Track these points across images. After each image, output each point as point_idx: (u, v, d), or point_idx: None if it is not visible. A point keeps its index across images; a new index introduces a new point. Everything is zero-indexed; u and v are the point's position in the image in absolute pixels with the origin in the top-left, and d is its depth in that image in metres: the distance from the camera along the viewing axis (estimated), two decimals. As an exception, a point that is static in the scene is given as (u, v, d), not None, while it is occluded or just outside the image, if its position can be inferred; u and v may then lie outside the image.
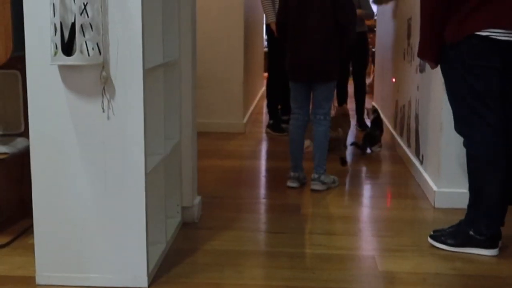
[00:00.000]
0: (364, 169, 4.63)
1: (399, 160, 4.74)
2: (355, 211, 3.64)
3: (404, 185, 4.11)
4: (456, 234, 2.92)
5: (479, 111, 2.80)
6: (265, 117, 7.10)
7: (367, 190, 4.12)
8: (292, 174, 4.03)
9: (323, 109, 3.94)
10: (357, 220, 3.44)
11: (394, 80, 5.39)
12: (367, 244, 3.02)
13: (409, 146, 4.56)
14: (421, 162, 4.07)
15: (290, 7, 3.89)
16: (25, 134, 3.17)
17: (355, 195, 4.00)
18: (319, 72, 3.89)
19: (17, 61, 2.93)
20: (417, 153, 4.21)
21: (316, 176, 3.95)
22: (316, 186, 3.95)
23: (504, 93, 2.81)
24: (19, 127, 3.26)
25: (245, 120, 6.12)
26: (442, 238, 2.94)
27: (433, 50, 2.86)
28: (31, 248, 2.61)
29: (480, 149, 2.84)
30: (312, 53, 3.86)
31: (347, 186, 4.13)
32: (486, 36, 2.70)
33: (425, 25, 2.86)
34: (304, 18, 3.84)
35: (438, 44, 2.83)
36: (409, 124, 4.57)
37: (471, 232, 2.87)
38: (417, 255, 2.86)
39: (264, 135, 5.93)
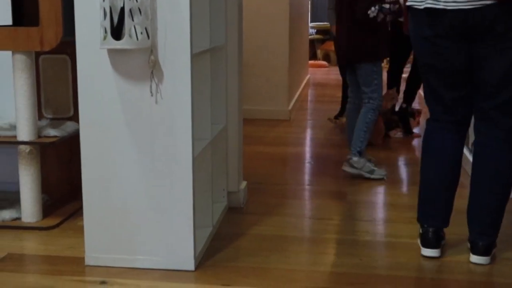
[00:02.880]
0: (410, 157, 4.57)
1: (447, 148, 4.65)
2: (402, 199, 3.59)
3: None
4: None
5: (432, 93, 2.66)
6: (309, 105, 7.07)
7: (415, 178, 4.06)
8: (347, 157, 4.03)
9: (365, 93, 4.00)
10: (404, 208, 3.39)
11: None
12: (414, 232, 2.97)
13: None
14: (470, 151, 3.98)
15: None
16: (74, 118, 3.23)
17: (403, 183, 3.95)
18: (350, 54, 4.01)
19: (67, 46, 2.97)
20: (466, 142, 4.13)
21: (348, 157, 3.97)
22: (345, 167, 3.96)
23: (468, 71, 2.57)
24: (69, 111, 3.32)
25: (290, 107, 6.10)
26: None
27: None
28: (80, 230, 2.66)
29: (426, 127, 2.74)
30: (343, 37, 4.04)
31: (394, 174, 4.09)
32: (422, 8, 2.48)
33: None
34: (340, 4, 4.06)
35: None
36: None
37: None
38: (465, 244, 2.80)
39: (309, 122, 5.91)
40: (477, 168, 2.64)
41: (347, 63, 4.11)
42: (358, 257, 2.70)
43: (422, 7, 2.49)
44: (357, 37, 3.91)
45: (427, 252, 2.67)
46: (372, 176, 3.91)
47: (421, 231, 2.72)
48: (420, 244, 2.71)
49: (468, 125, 2.71)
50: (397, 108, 5.49)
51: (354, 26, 3.92)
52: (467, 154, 4.03)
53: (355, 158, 3.93)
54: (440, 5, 2.43)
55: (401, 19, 5.05)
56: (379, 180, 3.90)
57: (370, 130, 3.99)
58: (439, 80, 2.59)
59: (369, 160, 4.06)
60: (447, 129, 2.66)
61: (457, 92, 2.60)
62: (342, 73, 5.73)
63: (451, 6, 2.41)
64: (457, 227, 2.79)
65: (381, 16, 3.78)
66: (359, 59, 3.96)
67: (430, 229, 2.67)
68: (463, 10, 2.40)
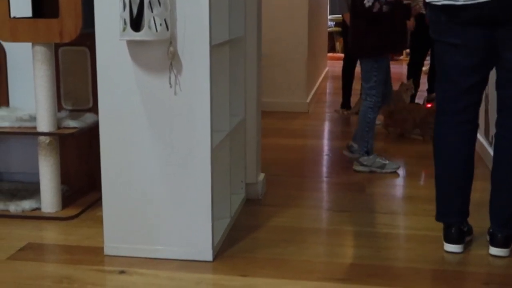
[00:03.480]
0: (429, 149, 4.53)
1: (467, 141, 4.61)
2: (421, 192, 3.57)
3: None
4: None
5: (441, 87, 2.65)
6: (328, 97, 7.04)
7: (433, 171, 4.03)
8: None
9: (364, 88, 3.94)
10: (423, 201, 3.37)
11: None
12: (434, 224, 2.95)
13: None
14: (491, 143, 3.95)
15: None
16: (93, 109, 3.24)
17: (421, 175, 3.93)
18: (354, 49, 3.99)
19: (86, 38, 2.99)
20: (486, 134, 4.10)
21: (356, 156, 3.97)
22: (356, 167, 3.95)
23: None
24: (88, 102, 3.34)
25: (308, 99, 6.09)
26: None
27: None
28: (99, 220, 2.68)
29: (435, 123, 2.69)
30: (349, 31, 4.02)
31: (413, 167, 4.07)
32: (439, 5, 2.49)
33: None
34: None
35: None
36: (477, 104, 4.44)
37: None
38: (485, 237, 2.78)
39: (327, 115, 5.88)
40: (496, 161, 2.62)
41: (354, 57, 4.08)
42: (377, 249, 2.69)
43: (440, 3, 2.48)
44: (359, 31, 3.84)
45: (449, 247, 2.65)
46: (384, 171, 3.89)
47: (444, 226, 2.70)
48: (443, 239, 2.69)
49: (477, 117, 2.65)
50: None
51: (356, 19, 3.87)
52: (487, 147, 4.00)
53: (364, 158, 3.92)
54: (460, 2, 2.42)
55: (423, 11, 5.01)
56: (393, 173, 3.88)
57: (373, 128, 3.93)
58: (455, 61, 2.55)
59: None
60: (454, 122, 2.61)
61: (471, 77, 2.56)
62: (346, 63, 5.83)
63: (471, 0, 2.40)
64: (478, 220, 2.77)
65: (378, 6, 3.69)
66: (361, 54, 3.92)
67: (453, 225, 2.65)
68: (482, 3, 2.38)
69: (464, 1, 2.41)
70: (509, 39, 2.44)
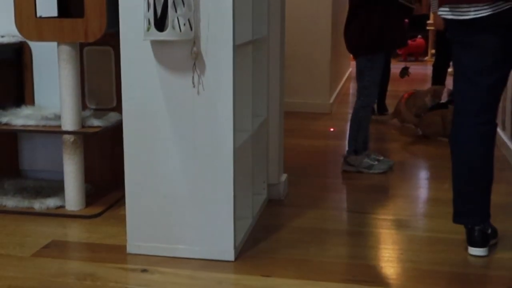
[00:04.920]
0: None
1: (492, 143, 4.57)
2: (445, 194, 3.53)
3: (497, 169, 3.94)
4: None
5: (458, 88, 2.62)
6: (351, 98, 7.02)
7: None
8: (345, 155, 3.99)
9: (358, 87, 3.84)
10: (447, 203, 3.32)
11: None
12: (458, 227, 2.93)
13: (504, 129, 4.39)
14: (516, 145, 3.91)
15: None
16: (117, 108, 3.27)
17: (446, 177, 3.88)
18: (347, 46, 3.90)
19: (110, 37, 3.01)
20: (512, 136, 4.05)
21: (345, 155, 3.94)
22: (343, 166, 3.91)
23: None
24: (112, 102, 3.36)
25: (331, 100, 6.07)
26: None
27: None
28: (122, 219, 2.70)
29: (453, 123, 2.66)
30: (345, 26, 3.88)
31: (437, 170, 4.03)
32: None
33: None
34: None
35: None
36: (504, 106, 4.40)
37: None
38: (509, 240, 2.75)
39: (350, 116, 5.84)
40: None
41: (351, 52, 3.98)
42: (400, 251, 2.68)
43: (448, 17, 2.49)
44: (353, 26, 3.75)
45: (473, 251, 2.62)
46: (372, 171, 3.84)
47: (466, 229, 2.66)
48: (466, 243, 2.65)
49: (495, 117, 2.62)
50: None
51: (350, 13, 3.79)
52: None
53: (351, 157, 3.88)
54: (470, 16, 2.41)
55: None
56: (381, 173, 3.84)
57: (364, 127, 3.87)
58: (472, 62, 2.52)
59: (368, 155, 3.94)
60: (473, 123, 2.57)
61: (488, 78, 2.51)
62: None
63: (484, 13, 2.39)
64: (504, 223, 2.74)
65: None
66: (355, 51, 3.83)
67: (476, 228, 2.62)
68: (497, 13, 2.37)
69: (475, 14, 2.40)
70: None
